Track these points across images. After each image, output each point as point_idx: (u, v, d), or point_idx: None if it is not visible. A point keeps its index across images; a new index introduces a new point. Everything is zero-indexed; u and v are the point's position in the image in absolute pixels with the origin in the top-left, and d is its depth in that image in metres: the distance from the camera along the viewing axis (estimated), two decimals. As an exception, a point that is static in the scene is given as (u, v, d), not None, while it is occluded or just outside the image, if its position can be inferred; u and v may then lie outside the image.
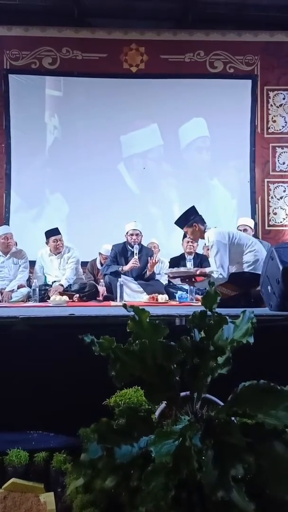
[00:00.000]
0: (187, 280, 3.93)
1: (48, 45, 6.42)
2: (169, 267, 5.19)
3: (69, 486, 1.43)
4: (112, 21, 6.44)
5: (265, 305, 2.85)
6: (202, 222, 3.80)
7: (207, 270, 3.72)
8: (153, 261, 5.00)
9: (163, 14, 6.36)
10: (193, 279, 3.85)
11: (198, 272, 3.77)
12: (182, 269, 4.04)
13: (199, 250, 5.33)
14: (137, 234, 5.10)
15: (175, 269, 4.07)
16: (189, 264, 4.67)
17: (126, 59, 6.50)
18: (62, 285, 4.98)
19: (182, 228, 3.89)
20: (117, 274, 4.84)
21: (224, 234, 3.63)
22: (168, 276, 4.30)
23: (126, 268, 4.93)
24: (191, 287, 4.24)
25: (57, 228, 5.23)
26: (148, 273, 5.02)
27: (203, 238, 3.78)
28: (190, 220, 3.75)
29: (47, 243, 5.23)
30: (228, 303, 3.40)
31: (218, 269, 3.47)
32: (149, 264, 5.01)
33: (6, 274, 5.11)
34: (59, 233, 5.22)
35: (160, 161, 6.57)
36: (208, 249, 3.96)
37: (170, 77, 6.46)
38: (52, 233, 5.19)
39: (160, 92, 6.44)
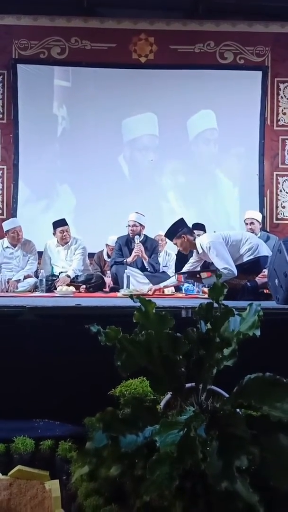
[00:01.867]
0: (193, 276, 3.96)
1: (56, 35, 6.36)
2: (176, 261, 5.18)
3: (74, 474, 1.45)
4: (121, 10, 6.36)
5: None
6: (191, 233, 3.84)
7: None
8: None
9: (173, 4, 6.27)
10: (198, 275, 3.89)
11: (204, 271, 3.80)
12: (187, 268, 4.05)
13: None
14: (134, 225, 5.05)
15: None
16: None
17: (135, 49, 6.43)
18: (69, 276, 4.99)
19: (172, 240, 3.92)
20: (122, 266, 4.84)
21: (217, 235, 3.69)
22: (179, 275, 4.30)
23: (129, 259, 4.92)
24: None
25: (64, 219, 5.23)
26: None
27: (193, 248, 3.80)
28: (179, 231, 3.79)
29: (54, 234, 5.23)
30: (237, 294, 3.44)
31: (225, 265, 3.48)
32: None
33: (15, 265, 5.12)
34: (66, 224, 5.21)
35: (167, 153, 6.51)
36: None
37: (179, 67, 6.37)
38: (59, 223, 5.19)
39: (169, 83, 6.36)
